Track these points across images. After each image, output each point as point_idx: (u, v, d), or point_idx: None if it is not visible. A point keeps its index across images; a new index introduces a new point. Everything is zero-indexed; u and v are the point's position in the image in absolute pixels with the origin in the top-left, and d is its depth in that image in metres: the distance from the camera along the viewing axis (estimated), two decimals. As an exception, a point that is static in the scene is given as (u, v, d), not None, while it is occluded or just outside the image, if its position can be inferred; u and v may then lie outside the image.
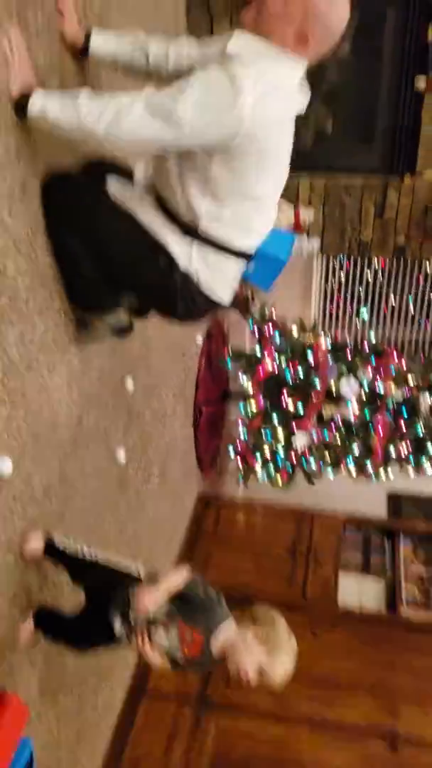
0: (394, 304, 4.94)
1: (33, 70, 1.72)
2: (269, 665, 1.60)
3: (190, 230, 1.87)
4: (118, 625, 1.74)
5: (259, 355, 3.79)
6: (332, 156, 3.78)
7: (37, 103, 1.64)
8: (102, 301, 2.11)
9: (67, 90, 1.69)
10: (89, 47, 1.97)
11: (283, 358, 3.75)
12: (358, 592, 3.99)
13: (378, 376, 3.72)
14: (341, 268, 4.88)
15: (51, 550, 1.96)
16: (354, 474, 3.96)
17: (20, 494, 1.93)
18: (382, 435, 3.73)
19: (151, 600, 1.65)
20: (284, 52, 1.69)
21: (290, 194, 3.73)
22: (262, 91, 1.61)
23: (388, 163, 3.68)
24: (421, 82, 3.23)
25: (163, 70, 1.94)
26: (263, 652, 1.60)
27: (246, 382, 3.81)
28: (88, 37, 1.96)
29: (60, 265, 1.99)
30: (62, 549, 1.95)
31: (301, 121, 1.97)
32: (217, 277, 1.94)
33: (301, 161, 2.09)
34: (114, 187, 1.96)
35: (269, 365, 3.72)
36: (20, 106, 1.65)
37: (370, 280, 4.88)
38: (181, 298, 1.94)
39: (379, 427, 3.72)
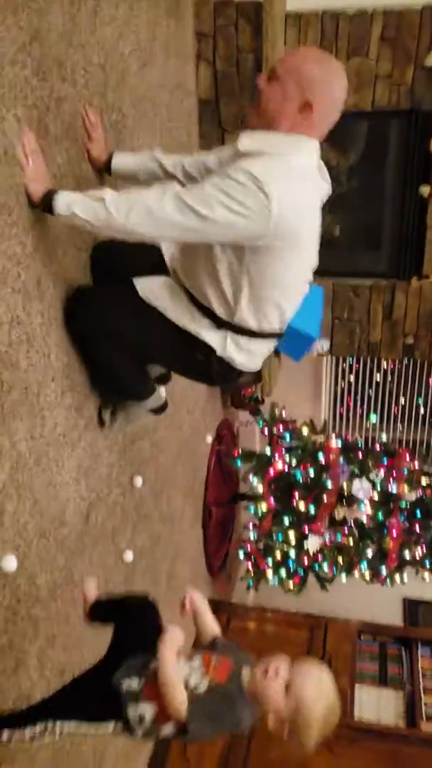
0: (404, 404, 4.94)
1: (47, 173, 1.79)
2: (304, 709, 1.33)
3: (224, 322, 1.94)
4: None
5: (269, 455, 3.76)
6: (340, 261, 3.88)
7: (61, 204, 1.70)
8: (142, 388, 2.25)
9: (89, 190, 1.76)
10: (111, 166, 2.14)
11: (293, 458, 3.71)
12: (375, 705, 3.76)
13: (390, 477, 3.67)
14: (350, 370, 4.92)
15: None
16: (368, 578, 3.85)
17: (24, 594, 1.87)
18: (396, 537, 3.64)
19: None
20: (294, 133, 1.73)
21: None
22: (284, 181, 1.66)
23: (395, 267, 3.77)
24: (425, 190, 3.34)
25: (179, 177, 2.06)
26: (297, 695, 1.34)
27: (256, 483, 3.75)
28: (110, 157, 2.13)
29: (95, 370, 2.15)
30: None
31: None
32: (250, 357, 2.05)
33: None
34: (142, 286, 2.01)
35: (280, 465, 3.68)
36: (45, 205, 1.72)
37: (380, 381, 4.90)
38: (218, 375, 2.09)
39: (393, 531, 3.63)
